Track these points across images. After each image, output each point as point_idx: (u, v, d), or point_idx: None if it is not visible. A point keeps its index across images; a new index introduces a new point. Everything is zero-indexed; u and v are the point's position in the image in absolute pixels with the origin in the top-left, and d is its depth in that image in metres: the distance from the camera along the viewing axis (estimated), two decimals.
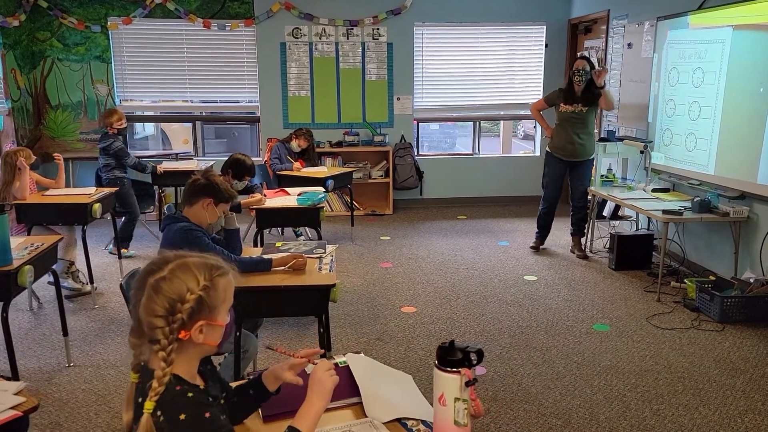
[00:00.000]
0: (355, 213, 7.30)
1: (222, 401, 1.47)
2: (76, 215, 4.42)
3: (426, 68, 7.58)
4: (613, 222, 6.09)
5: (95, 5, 7.04)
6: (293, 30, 7.25)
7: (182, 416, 1.22)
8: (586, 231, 5.79)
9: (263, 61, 7.30)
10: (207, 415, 1.24)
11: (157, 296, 1.28)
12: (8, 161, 4.46)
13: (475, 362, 1.40)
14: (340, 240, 6.26)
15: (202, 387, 1.36)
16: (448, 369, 1.40)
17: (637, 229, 5.81)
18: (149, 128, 9.36)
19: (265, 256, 2.89)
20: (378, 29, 7.34)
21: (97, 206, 4.49)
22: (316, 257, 3.08)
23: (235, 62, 7.38)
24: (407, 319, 4.29)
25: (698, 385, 3.40)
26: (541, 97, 6.50)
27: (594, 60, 6.92)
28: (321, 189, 4.87)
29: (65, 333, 3.59)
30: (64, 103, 7.25)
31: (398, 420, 1.64)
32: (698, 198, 4.65)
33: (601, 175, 5.76)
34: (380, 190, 7.50)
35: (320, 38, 7.29)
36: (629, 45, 6.14)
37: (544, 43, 7.60)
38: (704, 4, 4.93)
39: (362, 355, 1.93)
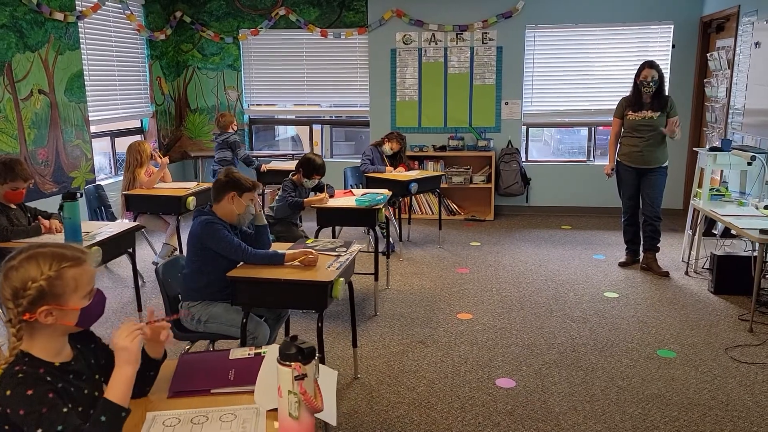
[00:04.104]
0: (455, 217, 7.32)
1: (97, 377, 1.64)
2: (172, 206, 4.98)
3: (537, 72, 7.35)
4: (727, 240, 5.47)
5: (229, 19, 7.79)
6: (404, 37, 7.43)
7: (8, 392, 1.41)
8: (660, 246, 5.37)
9: (374, 66, 7.56)
10: (29, 392, 1.40)
11: (5, 282, 1.48)
12: (133, 152, 5.14)
13: (306, 359, 1.45)
14: (428, 243, 6.31)
15: (57, 363, 1.52)
16: (284, 363, 1.47)
17: (754, 250, 5.16)
18: (291, 131, 10.21)
19: (280, 251, 3.08)
20: (487, 33, 7.26)
21: (191, 199, 5.02)
22: (334, 255, 3.21)
23: (349, 68, 7.74)
24: (459, 325, 4.26)
25: (752, 427, 3.01)
26: None
27: (723, 62, 6.27)
28: (385, 191, 4.98)
29: (139, 308, 4.11)
30: (201, 107, 8.12)
31: None
32: None
33: (710, 189, 5.21)
34: (483, 195, 7.41)
35: (429, 44, 7.38)
36: (757, 44, 5.47)
37: (670, 44, 7.01)
38: None
39: None
